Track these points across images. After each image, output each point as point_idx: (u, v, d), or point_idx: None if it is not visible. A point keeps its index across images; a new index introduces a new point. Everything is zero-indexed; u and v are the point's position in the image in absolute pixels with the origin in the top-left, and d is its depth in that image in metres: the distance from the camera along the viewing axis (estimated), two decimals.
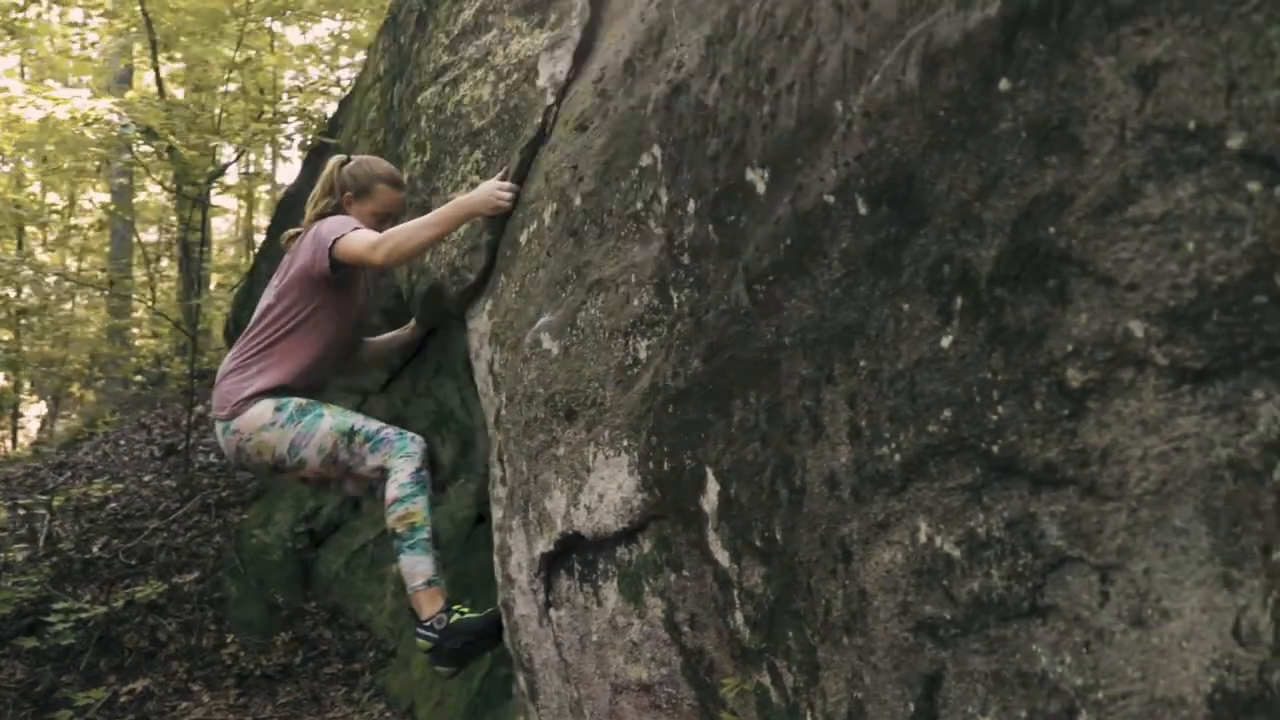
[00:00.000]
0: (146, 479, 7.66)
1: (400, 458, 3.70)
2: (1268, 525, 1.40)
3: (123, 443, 8.67)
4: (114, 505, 7.30)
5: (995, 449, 1.70)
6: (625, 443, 2.71)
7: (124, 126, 6.08)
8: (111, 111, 5.73)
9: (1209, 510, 1.46)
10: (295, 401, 3.81)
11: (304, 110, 7.41)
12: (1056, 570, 1.65)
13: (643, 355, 2.71)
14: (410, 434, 3.82)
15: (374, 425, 3.80)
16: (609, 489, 2.80)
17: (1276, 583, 1.38)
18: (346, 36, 14.05)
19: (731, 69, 2.37)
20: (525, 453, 3.28)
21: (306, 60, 13.45)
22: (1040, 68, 1.58)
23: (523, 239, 3.48)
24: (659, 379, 2.58)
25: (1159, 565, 1.51)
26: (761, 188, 2.20)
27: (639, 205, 2.77)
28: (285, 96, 9.60)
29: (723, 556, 2.42)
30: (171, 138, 6.28)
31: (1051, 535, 1.65)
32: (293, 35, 14.24)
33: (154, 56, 9.80)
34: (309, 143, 6.66)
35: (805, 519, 2.13)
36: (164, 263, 17.10)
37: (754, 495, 2.26)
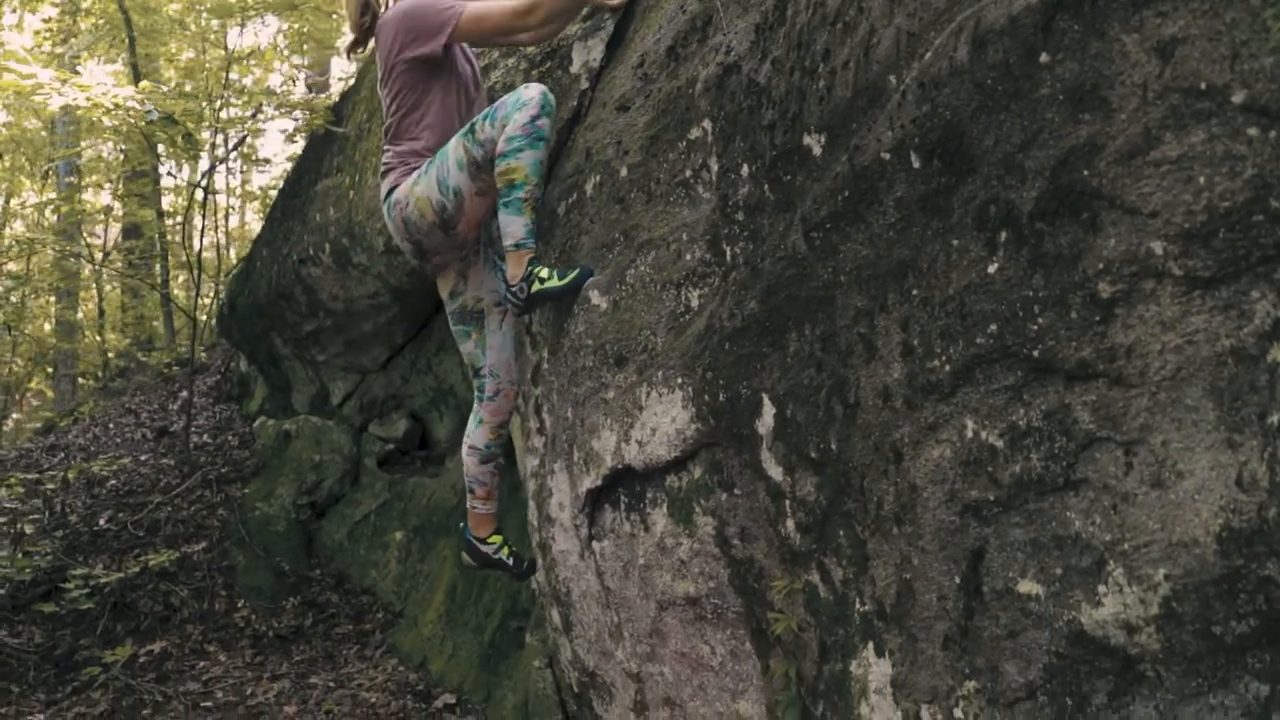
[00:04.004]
0: (143, 458, 7.92)
1: (516, 110, 3.57)
2: (1262, 398, 1.80)
3: (111, 426, 8.92)
4: (114, 482, 7.56)
5: (1036, 353, 2.10)
6: (679, 380, 3.09)
7: (148, 114, 6.35)
8: (131, 99, 6.00)
9: (1215, 389, 1.86)
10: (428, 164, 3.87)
11: (308, 102, 7.71)
12: (1087, 449, 2.05)
13: (694, 303, 3.09)
14: (528, 85, 3.64)
15: (485, 111, 3.70)
16: (662, 423, 3.17)
17: (1270, 441, 1.79)
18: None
19: (783, 51, 2.76)
20: (571, 400, 3.64)
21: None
22: (1075, 44, 1.98)
23: (560, 210, 3.85)
24: (715, 321, 2.96)
25: (1174, 437, 1.91)
26: (818, 150, 2.59)
27: (688, 173, 3.15)
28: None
29: (775, 472, 2.81)
30: (190, 124, 6.55)
31: (1084, 420, 2.04)
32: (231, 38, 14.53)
33: (132, 50, 10.06)
34: (315, 131, 6.97)
35: (859, 429, 2.52)
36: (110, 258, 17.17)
37: (810, 414, 2.65)
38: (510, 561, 4.20)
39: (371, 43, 4.07)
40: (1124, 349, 1.96)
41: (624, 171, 3.45)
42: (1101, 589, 2.04)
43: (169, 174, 9.96)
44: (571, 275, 3.57)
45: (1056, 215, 2.04)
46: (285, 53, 14.43)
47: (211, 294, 9.74)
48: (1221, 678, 1.92)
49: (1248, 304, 1.81)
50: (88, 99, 5.70)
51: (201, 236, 8.31)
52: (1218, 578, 1.87)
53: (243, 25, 14.14)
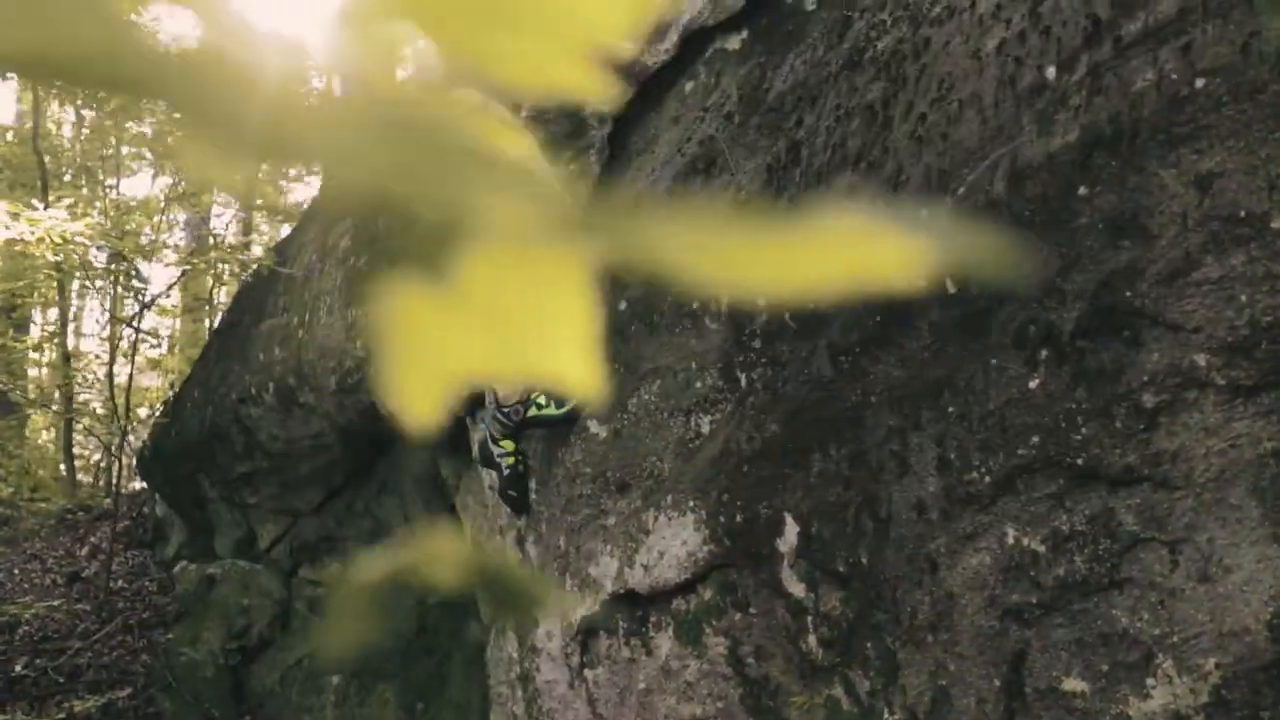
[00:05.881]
0: (56, 604, 7.67)
1: None
2: None
3: (16, 572, 8.63)
4: (27, 628, 7.31)
5: (1080, 461, 2.26)
6: (691, 503, 3.19)
7: (99, 247, 6.34)
8: (80, 235, 5.99)
9: (1258, 489, 2.03)
10: None
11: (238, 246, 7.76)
12: (1132, 550, 2.20)
13: (705, 429, 3.21)
14: None
15: None
16: (671, 546, 3.25)
17: None
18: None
19: (800, 189, 2.96)
20: (564, 528, 3.71)
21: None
22: (1113, 178, 2.19)
23: None
24: (731, 444, 3.08)
25: (1220, 535, 2.08)
26: None
27: (695, 305, 3.30)
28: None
29: (797, 589, 2.91)
30: (135, 258, 6.57)
31: (1128, 523, 2.20)
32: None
33: (45, 193, 10.02)
34: (258, 270, 7.01)
35: (892, 542, 2.64)
36: None
37: (837, 530, 2.77)
38: (507, 474, 3.92)
39: None
40: (1169, 454, 2.13)
41: (623, 305, 3.59)
42: (1150, 681, 2.17)
43: (103, 312, 9.85)
44: (570, 405, 3.67)
45: (1098, 333, 2.23)
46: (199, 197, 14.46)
47: (118, 436, 9.56)
48: None
49: None
50: (34, 233, 5.67)
51: (130, 378, 8.22)
52: (1268, 663, 2.02)
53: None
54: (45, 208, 9.93)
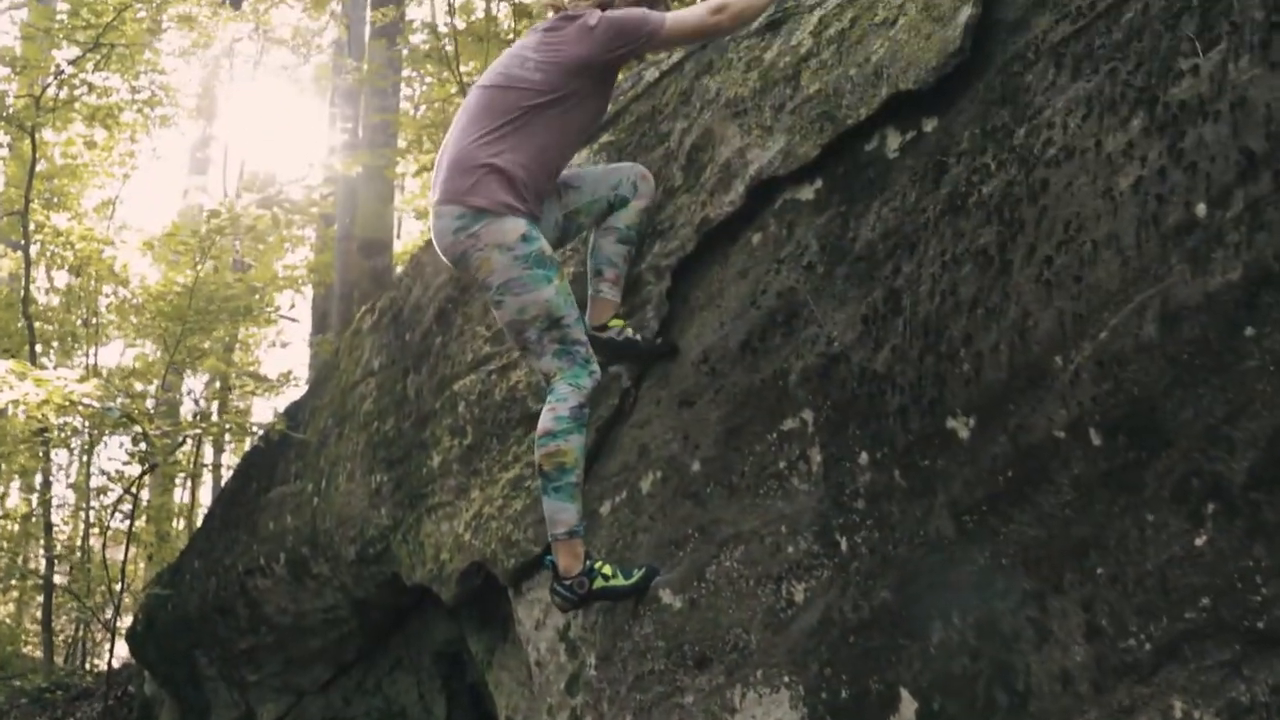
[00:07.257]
0: None
1: (569, 384, 3.52)
2: None
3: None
4: None
5: (1260, 625, 2.07)
6: (786, 679, 2.96)
7: (107, 409, 6.13)
8: (87, 396, 5.78)
9: None
10: (543, 246, 3.58)
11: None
12: None
13: (799, 597, 3.00)
14: (593, 362, 3.59)
15: (576, 332, 3.58)
16: None
17: None
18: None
19: (905, 340, 2.81)
20: (633, 707, 3.45)
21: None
22: None
23: (605, 509, 3.77)
24: (832, 614, 2.87)
25: None
26: (965, 433, 2.60)
27: (781, 465, 3.13)
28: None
29: None
30: (147, 422, 6.37)
31: None
32: None
33: (33, 357, 9.86)
34: (269, 434, 6.80)
35: (1031, 718, 2.42)
36: None
37: (965, 705, 2.54)
38: (637, 336, 3.79)
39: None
40: None
41: (696, 466, 3.41)
42: None
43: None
44: (638, 575, 3.44)
45: (1276, 483, 2.06)
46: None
47: (109, 609, 9.19)
48: None
49: None
50: (39, 394, 5.45)
51: (127, 547, 7.91)
52: None
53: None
54: (31, 360, 9.78)
